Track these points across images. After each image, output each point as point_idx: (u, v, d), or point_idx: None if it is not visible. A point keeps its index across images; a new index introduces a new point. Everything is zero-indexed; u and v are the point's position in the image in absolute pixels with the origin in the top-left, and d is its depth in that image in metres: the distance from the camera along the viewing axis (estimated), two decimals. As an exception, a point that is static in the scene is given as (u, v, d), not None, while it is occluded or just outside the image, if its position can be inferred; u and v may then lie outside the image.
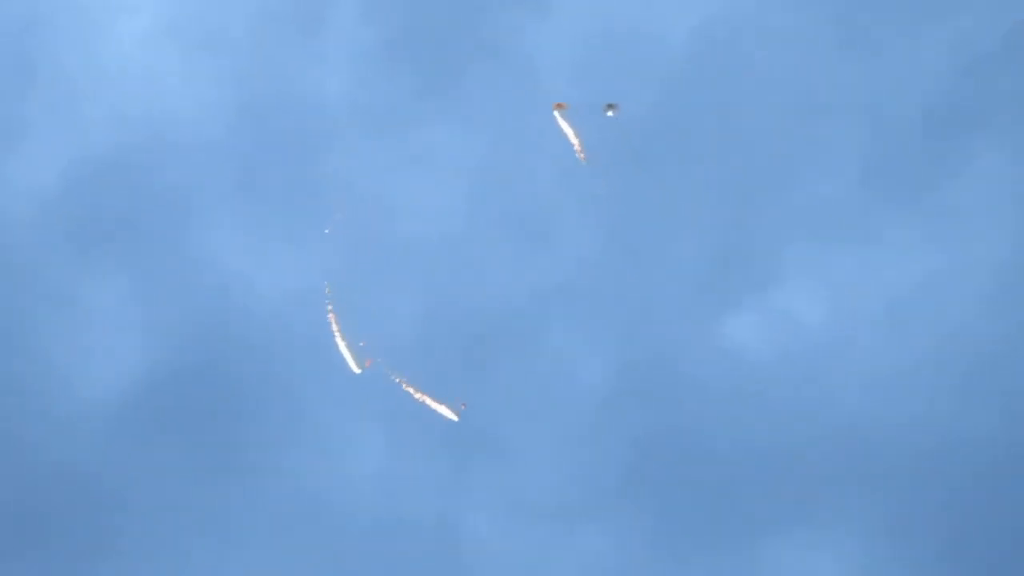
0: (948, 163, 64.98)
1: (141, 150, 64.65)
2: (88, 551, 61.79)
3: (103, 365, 62.85)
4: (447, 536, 63.93)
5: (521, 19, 65.15)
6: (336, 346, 57.27)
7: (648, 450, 63.36)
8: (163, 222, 64.67)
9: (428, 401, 57.81)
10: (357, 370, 57.37)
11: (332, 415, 64.34)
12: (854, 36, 66.08)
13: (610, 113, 58.47)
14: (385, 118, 64.44)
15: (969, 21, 65.44)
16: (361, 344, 57.94)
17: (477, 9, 65.74)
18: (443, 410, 58.11)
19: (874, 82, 65.81)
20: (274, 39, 63.85)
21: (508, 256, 65.37)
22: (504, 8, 65.84)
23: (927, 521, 60.92)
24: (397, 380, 57.38)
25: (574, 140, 57.87)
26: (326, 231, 61.30)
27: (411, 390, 57.66)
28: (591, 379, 64.01)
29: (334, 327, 57.32)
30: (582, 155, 57.37)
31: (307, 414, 64.24)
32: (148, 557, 62.64)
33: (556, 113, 57.88)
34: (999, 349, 63.13)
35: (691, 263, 64.75)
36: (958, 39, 65.44)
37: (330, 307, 57.14)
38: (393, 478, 64.06)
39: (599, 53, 65.82)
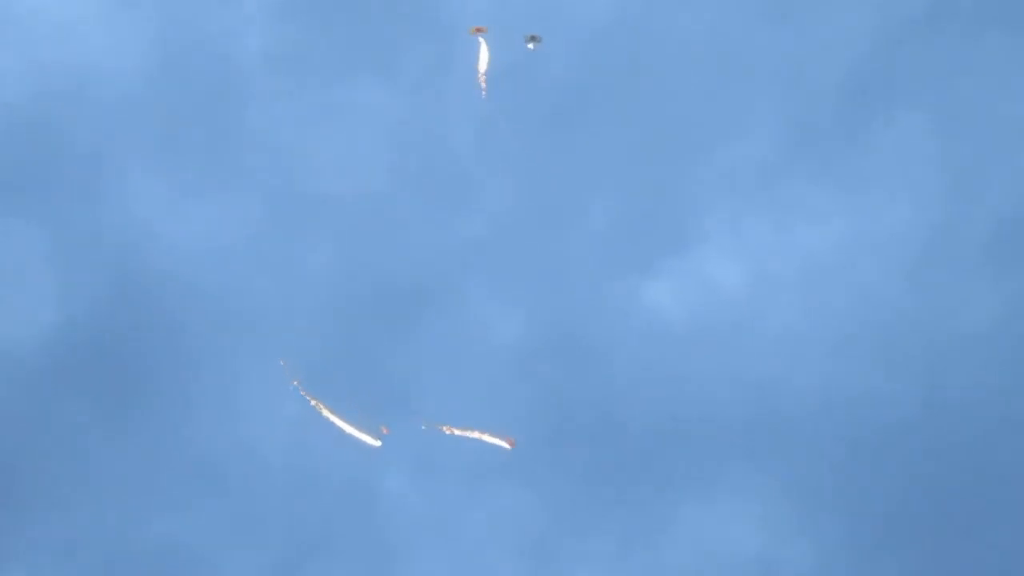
0: (867, 131, 65.88)
1: (55, 101, 63.65)
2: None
3: (13, 319, 62.08)
4: (363, 494, 64.10)
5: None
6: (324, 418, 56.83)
7: (564, 410, 63.87)
8: (77, 176, 63.83)
9: (346, 426, 57.63)
10: (377, 442, 57.33)
11: (246, 373, 64.02)
12: (773, 5, 66.65)
13: (531, 45, 58.38)
14: (304, 73, 64.05)
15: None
16: (282, 363, 57.88)
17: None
18: (363, 436, 58.00)
19: (795, 49, 66.47)
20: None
21: (426, 214, 65.30)
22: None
23: (834, 481, 62.24)
24: (313, 404, 57.26)
25: (482, 68, 57.52)
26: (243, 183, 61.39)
27: (328, 413, 57.48)
28: (507, 339, 64.35)
29: (326, 412, 56.89)
30: (484, 86, 57.19)
31: (220, 372, 63.87)
32: (49, 514, 62.12)
33: (474, 35, 57.43)
34: (911, 314, 64.37)
35: (608, 224, 65.21)
36: (880, 8, 66.21)
37: (315, 402, 56.92)
38: (304, 437, 63.95)
39: (524, 13, 65.70)
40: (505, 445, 58.14)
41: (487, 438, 57.60)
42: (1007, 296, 63.34)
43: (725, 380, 63.46)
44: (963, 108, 65.81)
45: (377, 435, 58.61)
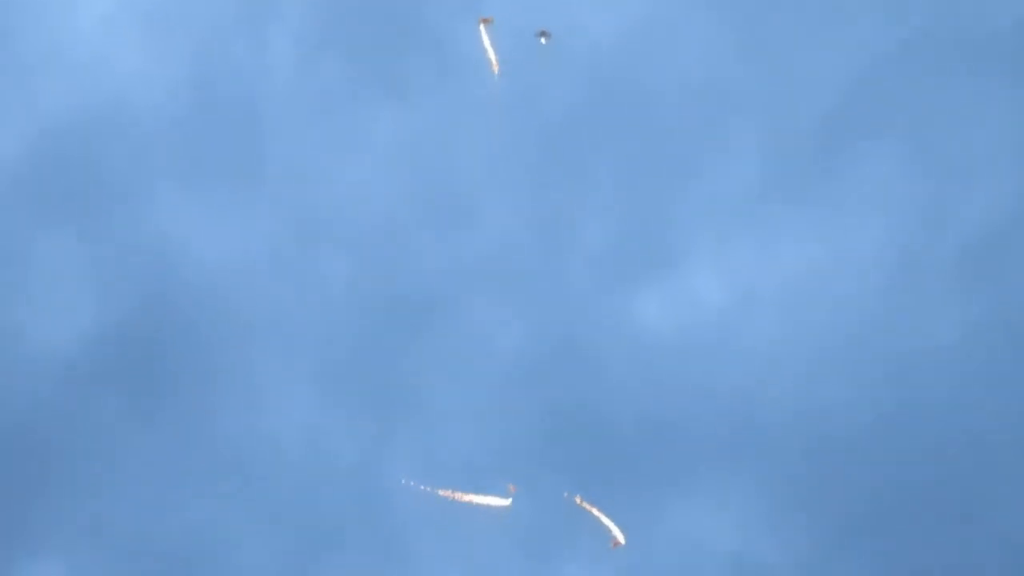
0: (843, 161, 70.33)
1: (97, 127, 69.27)
2: (27, 493, 66.46)
3: (53, 320, 67.54)
4: (371, 488, 68.67)
5: (459, 18, 70.12)
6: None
7: (558, 415, 68.38)
8: (115, 195, 69.34)
9: (474, 499, 62.38)
10: (507, 502, 62.62)
11: (266, 375, 69.07)
12: (758, 44, 71.35)
13: (543, 40, 62.92)
14: (324, 103, 69.43)
15: (866, 31, 70.88)
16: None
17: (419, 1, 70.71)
18: (493, 501, 62.93)
19: (778, 85, 71.16)
20: (225, 24, 68.87)
21: (435, 233, 70.35)
22: (443, 3, 70.71)
23: (805, 484, 66.53)
24: (449, 494, 62.22)
25: (491, 55, 62.24)
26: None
27: (460, 496, 62.57)
28: (507, 350, 69.01)
29: (459, 496, 61.76)
30: (496, 67, 61.69)
31: (243, 374, 68.96)
32: (83, 501, 67.11)
33: (481, 27, 62.23)
34: (880, 331, 68.67)
35: (602, 244, 69.93)
36: (857, 47, 70.82)
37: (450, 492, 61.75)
38: (319, 434, 68.83)
39: (531, 47, 70.72)
40: (504, 502, 62.51)
41: (485, 500, 62.16)
42: (970, 314, 67.48)
43: (707, 389, 67.71)
44: (932, 141, 70.01)
45: (507, 495, 63.70)
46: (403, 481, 64.55)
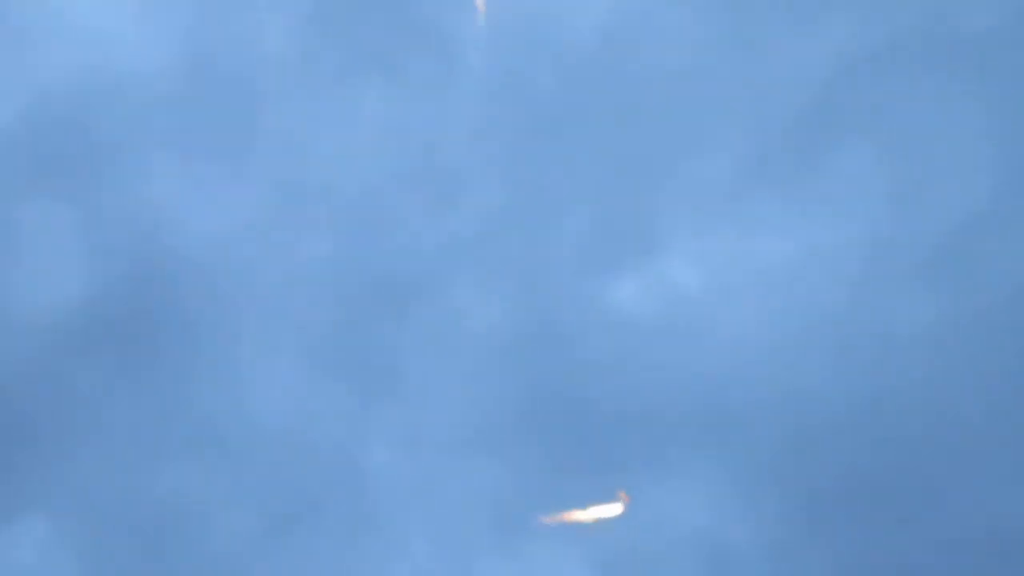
0: (819, 156, 72.39)
1: (90, 97, 70.51)
2: (14, 454, 67.52)
3: (46, 289, 68.71)
4: (350, 463, 70.07)
5: (452, 10, 72.05)
6: None
7: (536, 393, 69.93)
8: (107, 164, 70.58)
9: (589, 514, 64.26)
10: (620, 508, 64.66)
11: (248, 346, 70.36)
12: (738, 42, 73.53)
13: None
14: (313, 76, 71.06)
15: (842, 32, 73.07)
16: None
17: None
18: (608, 510, 64.74)
19: (757, 81, 73.25)
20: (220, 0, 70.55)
21: (418, 212, 71.93)
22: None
23: (775, 467, 68.40)
24: (561, 518, 64.19)
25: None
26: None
27: (571, 515, 64.42)
28: (487, 327, 70.52)
29: (570, 515, 63.54)
30: (483, 9, 63.66)
31: (225, 343, 70.18)
32: (68, 463, 68.26)
33: None
34: (852, 320, 70.63)
35: (582, 229, 71.66)
36: (835, 47, 73.00)
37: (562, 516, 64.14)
38: (300, 408, 70.12)
39: (520, 36, 72.61)
40: (619, 509, 63.94)
41: (596, 512, 63.65)
42: (938, 306, 69.43)
43: (682, 372, 69.35)
44: (905, 139, 72.09)
45: (618, 500, 65.46)
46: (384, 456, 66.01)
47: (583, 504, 67.56)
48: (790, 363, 69.95)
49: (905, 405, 68.75)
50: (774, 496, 67.83)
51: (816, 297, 70.60)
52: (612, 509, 66.01)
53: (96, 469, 67.02)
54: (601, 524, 67.85)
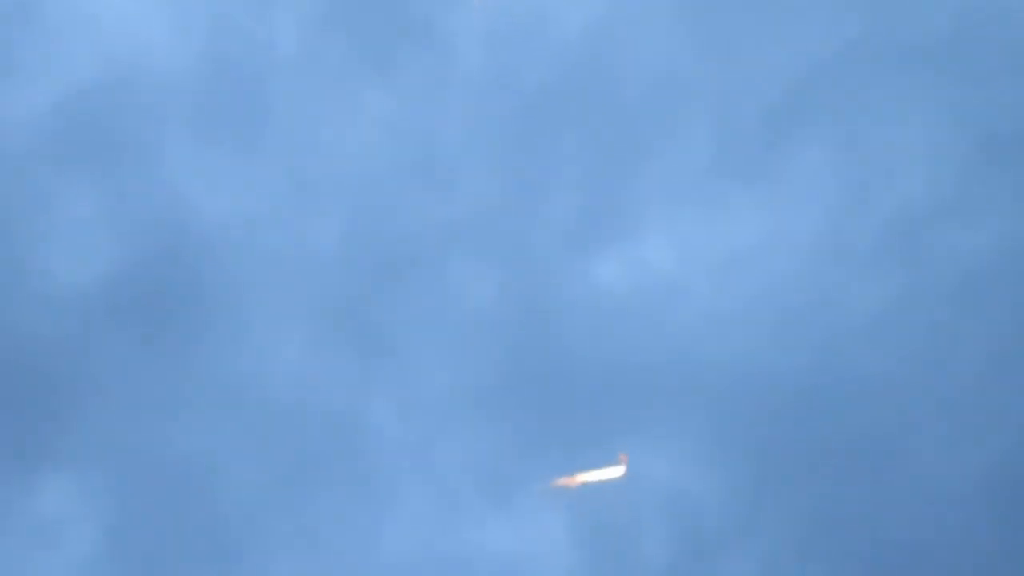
0: (782, 148, 78.31)
1: (116, 87, 76.57)
2: (47, 415, 73.40)
3: (76, 264, 74.73)
4: (351, 425, 75.77)
5: (452, 10, 78.04)
6: None
7: (524, 362, 75.74)
8: (131, 149, 76.58)
9: (590, 477, 70.31)
10: (621, 470, 71.00)
11: (260, 318, 76.24)
12: (712, 40, 79.52)
13: None
14: (322, 73, 77.19)
15: (810, 31, 79.08)
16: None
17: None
18: (608, 473, 70.83)
19: (726, 77, 79.24)
20: (237, 1, 76.71)
21: (417, 198, 78.01)
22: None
23: (741, 431, 74.40)
24: (569, 480, 70.41)
25: None
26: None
27: (576, 478, 70.68)
28: (480, 301, 76.40)
29: (576, 478, 69.82)
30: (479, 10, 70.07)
31: (239, 315, 76.01)
32: (92, 423, 74.03)
33: None
34: (811, 301, 76.56)
35: (566, 212, 77.63)
36: (798, 48, 79.02)
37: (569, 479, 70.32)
38: (306, 375, 75.88)
39: (511, 35, 78.67)
40: (620, 471, 69.52)
41: (598, 475, 69.15)
42: (890, 290, 75.27)
43: (656, 344, 75.11)
44: (862, 134, 77.98)
45: (618, 463, 71.28)
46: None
47: (575, 468, 73.20)
48: (757, 335, 75.93)
49: (862, 374, 74.76)
50: (744, 456, 73.73)
51: (776, 279, 76.43)
52: (614, 471, 71.86)
53: (119, 428, 73.02)
54: (589, 487, 73.57)
